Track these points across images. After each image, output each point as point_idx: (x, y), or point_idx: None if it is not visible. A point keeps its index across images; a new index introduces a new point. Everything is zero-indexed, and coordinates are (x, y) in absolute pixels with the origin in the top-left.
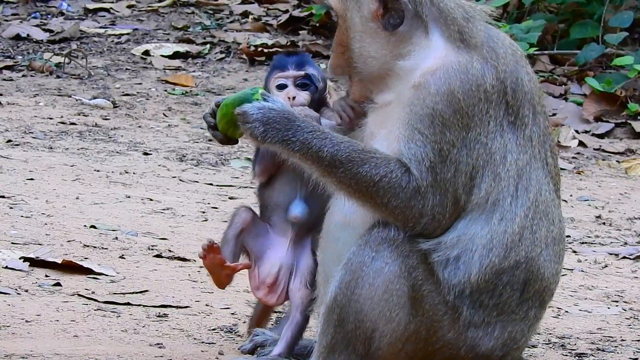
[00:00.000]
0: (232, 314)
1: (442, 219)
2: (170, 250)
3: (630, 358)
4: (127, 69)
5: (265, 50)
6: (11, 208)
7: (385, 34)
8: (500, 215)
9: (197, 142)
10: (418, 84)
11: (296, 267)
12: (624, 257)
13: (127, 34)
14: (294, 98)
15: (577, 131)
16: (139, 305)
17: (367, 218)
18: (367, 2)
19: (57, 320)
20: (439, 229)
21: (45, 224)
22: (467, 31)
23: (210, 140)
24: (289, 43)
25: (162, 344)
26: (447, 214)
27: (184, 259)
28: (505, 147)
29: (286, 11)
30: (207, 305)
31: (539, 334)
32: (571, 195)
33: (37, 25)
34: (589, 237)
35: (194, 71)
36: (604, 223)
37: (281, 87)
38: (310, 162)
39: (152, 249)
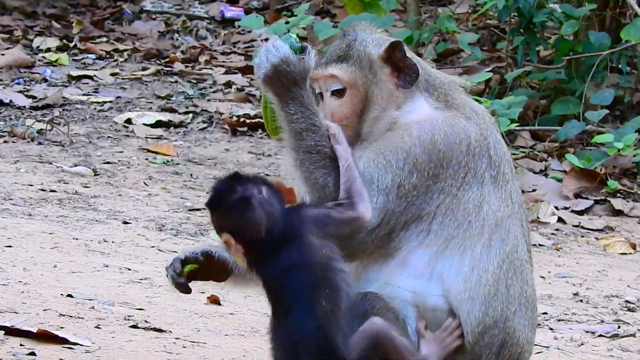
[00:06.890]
0: None
1: (369, 241)
2: (146, 321)
3: None
4: (109, 136)
5: (248, 121)
6: None
7: (396, 92)
8: (471, 263)
9: (176, 212)
10: (400, 127)
11: None
12: (600, 335)
13: (110, 101)
14: None
15: (556, 207)
16: None
17: None
18: (380, 69)
19: None
20: (363, 253)
21: (22, 292)
22: (451, 94)
23: (190, 210)
24: None
25: None
26: (375, 240)
27: (160, 330)
28: (483, 198)
29: None
30: None
31: None
32: (549, 272)
33: (20, 92)
34: (566, 314)
35: (175, 140)
36: (581, 300)
37: None
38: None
39: (128, 319)
